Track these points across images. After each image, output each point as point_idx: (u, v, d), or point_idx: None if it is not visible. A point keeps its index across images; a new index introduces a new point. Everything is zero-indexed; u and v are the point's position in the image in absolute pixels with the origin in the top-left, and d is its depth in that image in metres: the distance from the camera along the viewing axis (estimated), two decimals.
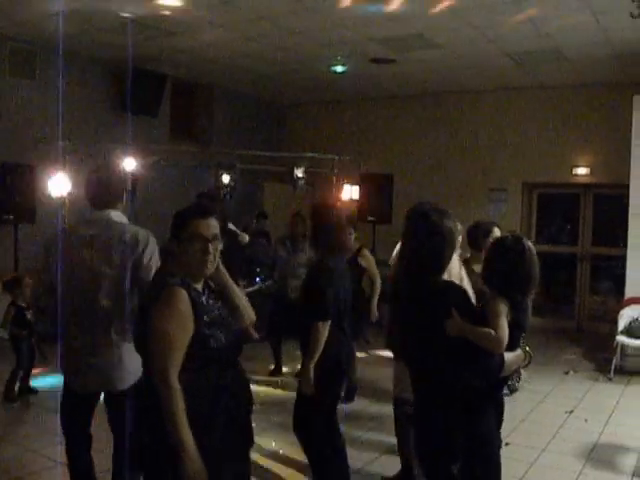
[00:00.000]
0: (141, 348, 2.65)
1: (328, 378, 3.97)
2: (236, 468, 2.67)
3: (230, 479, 2.62)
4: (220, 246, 2.71)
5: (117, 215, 3.58)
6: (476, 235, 5.03)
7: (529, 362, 2.88)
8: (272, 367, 7.54)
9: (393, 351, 4.25)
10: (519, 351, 2.80)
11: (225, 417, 2.59)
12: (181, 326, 2.48)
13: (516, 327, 2.74)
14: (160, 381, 2.43)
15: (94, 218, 3.58)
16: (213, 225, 2.67)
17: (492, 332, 2.62)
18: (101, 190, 3.58)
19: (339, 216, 4.29)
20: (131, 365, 3.36)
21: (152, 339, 2.49)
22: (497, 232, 4.99)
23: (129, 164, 8.64)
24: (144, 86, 9.48)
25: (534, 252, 2.82)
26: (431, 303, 2.71)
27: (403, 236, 2.92)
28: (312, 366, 3.88)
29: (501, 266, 2.78)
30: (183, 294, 2.52)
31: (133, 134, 9.61)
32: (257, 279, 8.60)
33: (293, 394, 4.25)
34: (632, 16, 4.89)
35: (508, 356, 2.70)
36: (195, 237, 2.60)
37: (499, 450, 2.88)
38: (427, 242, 2.75)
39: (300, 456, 4.49)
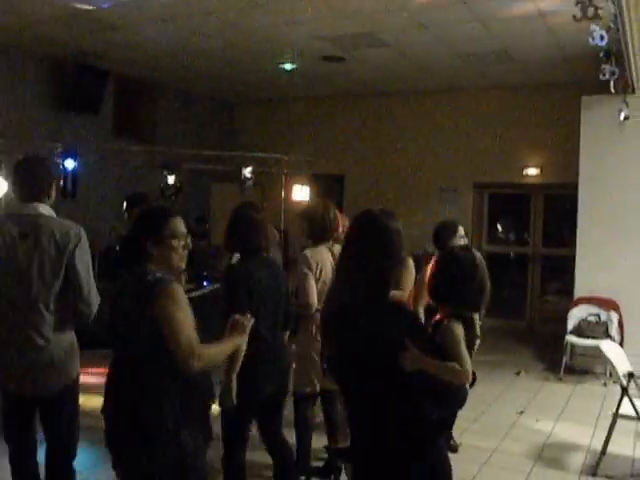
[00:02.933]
0: (124, 340, 2.74)
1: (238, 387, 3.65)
2: (198, 462, 2.76)
3: (194, 473, 2.71)
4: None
5: (45, 209, 3.50)
6: (443, 234, 5.05)
7: (474, 382, 2.67)
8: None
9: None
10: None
11: (193, 413, 2.71)
12: (186, 311, 2.66)
13: (469, 347, 2.53)
14: (192, 362, 2.57)
15: (23, 212, 3.48)
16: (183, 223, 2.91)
17: (456, 366, 2.39)
18: (27, 181, 3.51)
19: (254, 215, 3.91)
20: (64, 367, 3.39)
21: (170, 332, 2.59)
22: (462, 231, 5.05)
23: (69, 163, 8.40)
24: (85, 82, 9.18)
25: (484, 264, 2.62)
26: (380, 330, 2.38)
27: (347, 244, 2.60)
28: (232, 376, 3.48)
29: (452, 281, 2.55)
30: (181, 289, 2.71)
31: (74, 132, 9.33)
32: (205, 282, 8.43)
33: None
34: (575, 19, 4.84)
35: None
36: (178, 234, 2.81)
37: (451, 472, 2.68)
38: (372, 252, 2.47)
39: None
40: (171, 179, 8.91)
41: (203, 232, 9.73)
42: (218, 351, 2.79)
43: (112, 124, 10.25)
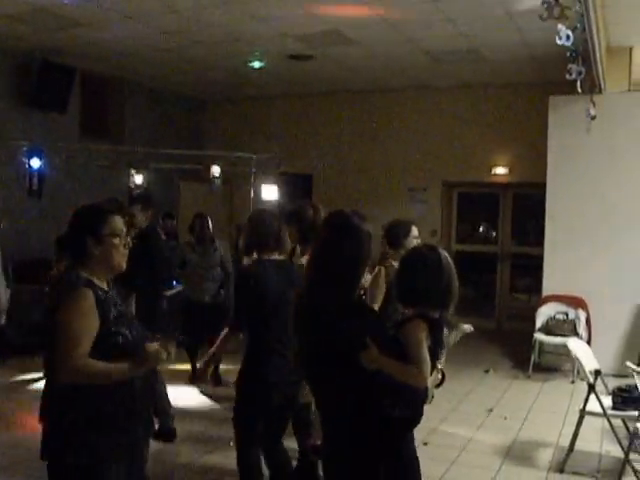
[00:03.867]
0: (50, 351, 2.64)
1: (246, 395, 3.72)
2: (137, 460, 2.76)
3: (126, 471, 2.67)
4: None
5: None
6: (396, 233, 4.90)
7: (442, 382, 2.64)
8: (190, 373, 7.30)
9: None
10: (434, 374, 2.54)
11: (129, 410, 2.66)
12: (85, 321, 2.55)
13: (437, 347, 2.50)
14: (69, 369, 2.48)
15: None
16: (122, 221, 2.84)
17: (414, 368, 2.36)
18: None
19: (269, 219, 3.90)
20: None
21: (57, 334, 2.53)
22: (415, 231, 4.91)
23: (35, 162, 8.26)
24: (51, 80, 9.01)
25: (451, 262, 2.58)
26: (344, 330, 2.38)
27: (318, 244, 2.59)
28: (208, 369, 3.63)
29: (418, 281, 2.49)
30: (88, 293, 2.59)
31: (40, 131, 9.16)
32: (174, 283, 8.32)
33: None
34: (541, 18, 4.86)
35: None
36: (118, 232, 2.75)
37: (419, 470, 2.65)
38: (343, 252, 2.47)
39: None
40: (139, 178, 8.79)
41: (171, 230, 9.55)
42: (102, 373, 2.54)
43: (79, 122, 10.09)
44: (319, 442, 3.79)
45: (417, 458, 2.57)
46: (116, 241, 2.73)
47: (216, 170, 9.13)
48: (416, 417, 2.52)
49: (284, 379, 3.68)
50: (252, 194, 9.24)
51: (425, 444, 5.31)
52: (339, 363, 2.37)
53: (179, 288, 7.93)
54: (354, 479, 2.48)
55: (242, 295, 3.80)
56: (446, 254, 2.60)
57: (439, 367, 2.62)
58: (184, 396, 6.61)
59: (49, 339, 2.60)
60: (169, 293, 7.34)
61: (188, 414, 6.03)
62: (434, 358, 2.47)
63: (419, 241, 4.96)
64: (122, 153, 9.76)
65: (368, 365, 2.33)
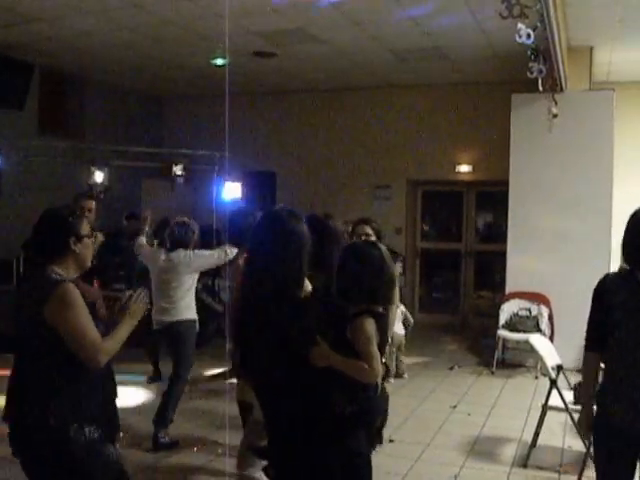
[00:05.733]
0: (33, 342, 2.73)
1: None
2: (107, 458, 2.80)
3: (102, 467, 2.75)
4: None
5: None
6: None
7: (387, 375, 2.65)
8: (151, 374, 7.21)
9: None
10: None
11: (88, 411, 2.73)
12: (84, 309, 2.70)
13: (383, 341, 2.53)
14: (103, 353, 2.68)
15: None
16: None
17: (364, 365, 2.36)
18: None
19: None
20: None
21: (70, 337, 2.65)
22: (368, 230, 4.93)
23: None
24: (8, 76, 8.80)
25: (390, 257, 2.65)
26: (290, 327, 2.36)
27: (255, 244, 2.57)
28: None
29: (362, 277, 2.52)
30: (74, 289, 2.72)
31: None
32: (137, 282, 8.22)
33: None
34: (502, 17, 4.90)
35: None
36: (92, 233, 2.97)
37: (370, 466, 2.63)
38: (286, 251, 2.45)
39: None
40: (99, 176, 8.63)
41: (135, 230, 9.43)
42: (117, 339, 2.80)
43: (37, 119, 9.87)
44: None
45: (369, 455, 2.57)
46: (89, 241, 2.94)
47: (179, 168, 9.02)
48: (366, 413, 2.52)
49: None
50: (215, 193, 9.16)
51: (391, 441, 5.35)
52: (288, 362, 2.35)
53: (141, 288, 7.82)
54: (306, 478, 2.45)
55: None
56: (385, 249, 2.67)
57: (383, 360, 2.65)
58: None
59: (32, 334, 2.72)
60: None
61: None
62: (381, 352, 2.49)
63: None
64: (82, 150, 9.59)
65: (318, 362, 2.33)
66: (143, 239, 5.87)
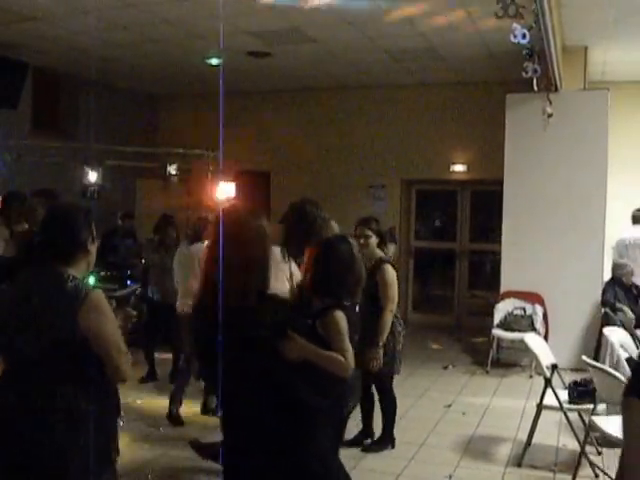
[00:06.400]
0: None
1: None
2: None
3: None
4: None
5: None
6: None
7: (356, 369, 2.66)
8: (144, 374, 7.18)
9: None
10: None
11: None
12: (115, 322, 2.64)
13: (353, 335, 2.53)
14: (127, 368, 2.59)
15: None
16: None
17: (339, 357, 2.37)
18: None
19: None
20: None
21: (106, 343, 2.55)
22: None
23: None
24: (1, 75, 8.75)
25: (358, 250, 2.71)
26: (258, 324, 2.34)
27: (213, 242, 2.52)
28: None
29: (333, 271, 2.55)
30: (103, 295, 2.64)
31: None
32: (129, 282, 8.19)
33: None
34: (497, 17, 4.91)
35: None
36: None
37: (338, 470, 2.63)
38: (250, 249, 2.44)
39: None
40: (93, 176, 8.61)
41: (129, 229, 9.44)
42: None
43: (31, 119, 9.84)
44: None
45: (337, 452, 2.57)
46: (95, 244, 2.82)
47: (173, 168, 9.01)
48: (336, 409, 2.53)
49: None
50: (209, 192, 9.13)
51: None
52: (258, 359, 2.31)
53: (133, 287, 7.81)
54: (270, 473, 2.42)
55: None
56: (355, 243, 2.71)
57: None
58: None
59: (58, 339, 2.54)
60: (118, 293, 7.25)
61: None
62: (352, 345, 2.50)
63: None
64: (75, 150, 9.55)
65: (291, 354, 2.31)
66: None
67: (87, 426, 2.52)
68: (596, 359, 6.17)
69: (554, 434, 5.56)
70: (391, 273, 4.94)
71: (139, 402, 6.35)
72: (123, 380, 2.61)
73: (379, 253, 5.08)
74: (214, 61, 9.30)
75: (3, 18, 7.52)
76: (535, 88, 6.63)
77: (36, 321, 2.55)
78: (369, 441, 5.29)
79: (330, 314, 2.46)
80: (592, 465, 4.71)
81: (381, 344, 4.81)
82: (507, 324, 8.09)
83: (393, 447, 5.22)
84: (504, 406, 6.52)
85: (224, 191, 9.08)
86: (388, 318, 4.87)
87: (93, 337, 2.52)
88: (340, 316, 2.45)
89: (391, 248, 7.08)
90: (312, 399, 2.38)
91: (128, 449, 5.01)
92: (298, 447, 2.40)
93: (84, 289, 2.57)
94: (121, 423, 4.70)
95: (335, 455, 2.60)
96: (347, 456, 3.94)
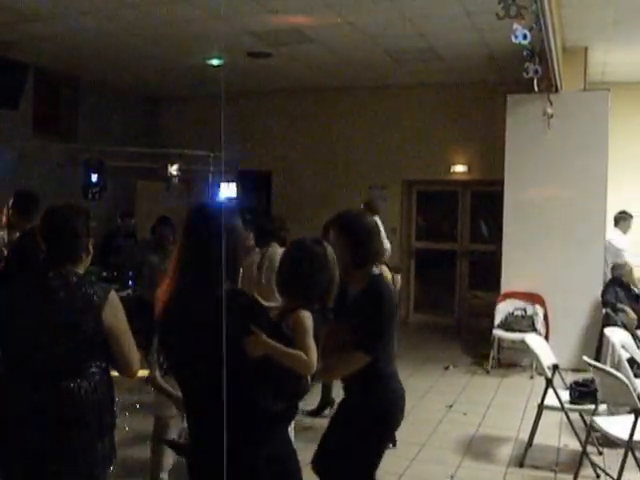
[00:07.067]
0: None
1: None
2: None
3: None
4: None
5: None
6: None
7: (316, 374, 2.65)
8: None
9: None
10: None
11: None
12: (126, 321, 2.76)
13: (317, 337, 2.50)
14: (137, 367, 2.71)
15: None
16: None
17: (302, 355, 2.35)
18: None
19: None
20: None
21: (123, 341, 2.68)
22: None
23: None
24: (2, 76, 8.76)
25: (333, 255, 2.65)
26: (221, 318, 2.26)
27: (184, 240, 2.49)
28: None
29: (304, 273, 2.54)
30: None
31: None
32: (130, 283, 8.20)
33: None
34: (498, 17, 4.91)
35: None
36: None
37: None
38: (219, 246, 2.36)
39: None
40: (94, 177, 8.61)
41: (129, 229, 9.41)
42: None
43: (32, 120, 9.85)
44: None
45: (295, 452, 2.57)
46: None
47: (174, 169, 9.02)
48: (292, 410, 2.53)
49: None
50: (210, 193, 9.15)
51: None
52: (218, 353, 2.23)
53: (135, 287, 7.82)
54: (232, 475, 2.40)
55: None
56: (330, 247, 2.66)
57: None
58: None
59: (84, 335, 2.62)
60: (120, 294, 7.26)
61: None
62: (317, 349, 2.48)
63: None
64: (77, 151, 9.55)
65: (254, 350, 2.28)
66: None
67: (93, 422, 2.62)
68: (597, 359, 6.18)
69: (555, 434, 5.57)
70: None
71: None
72: (132, 375, 2.68)
73: None
74: (215, 62, 9.30)
75: (4, 18, 7.53)
76: (536, 89, 6.63)
77: (59, 321, 2.58)
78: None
79: (296, 314, 2.46)
80: (593, 465, 4.71)
81: None
82: (508, 324, 8.10)
83: (394, 446, 5.21)
84: (505, 406, 6.52)
85: (225, 191, 9.11)
86: None
87: (112, 334, 2.63)
88: (306, 315, 2.44)
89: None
90: (269, 402, 2.37)
91: (128, 449, 5.01)
92: (248, 448, 2.38)
93: (105, 288, 2.68)
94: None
95: (296, 458, 2.58)
96: None
